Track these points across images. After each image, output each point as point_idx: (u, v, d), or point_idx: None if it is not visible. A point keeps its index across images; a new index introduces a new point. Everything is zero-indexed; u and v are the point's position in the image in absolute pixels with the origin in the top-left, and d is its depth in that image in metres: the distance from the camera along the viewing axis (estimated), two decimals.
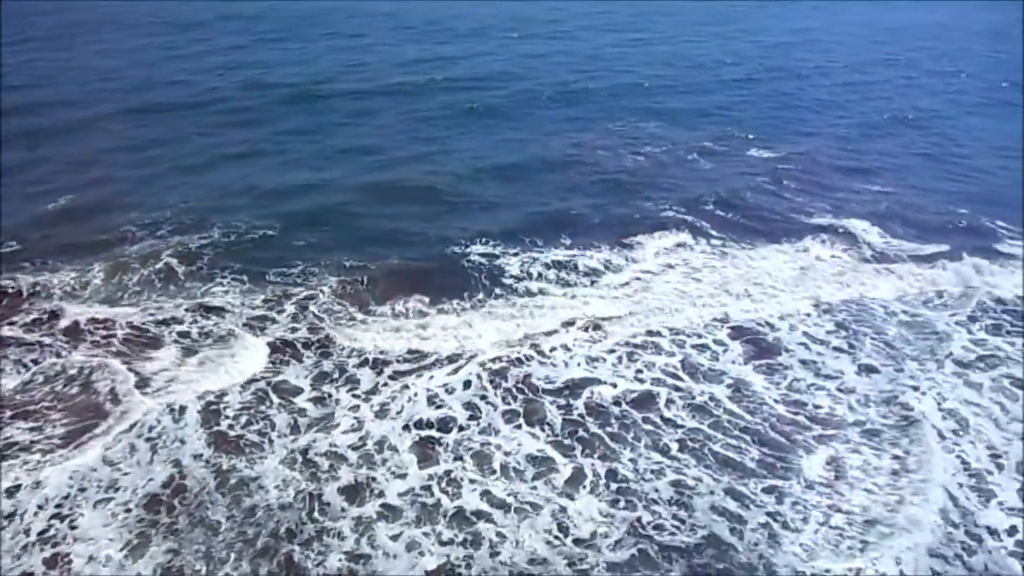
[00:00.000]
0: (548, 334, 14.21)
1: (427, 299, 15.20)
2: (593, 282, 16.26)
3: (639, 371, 13.30)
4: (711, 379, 13.18)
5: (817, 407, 12.53)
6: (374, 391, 12.57)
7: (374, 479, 10.77)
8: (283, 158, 23.31)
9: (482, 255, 17.11)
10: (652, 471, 11.07)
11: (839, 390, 12.97)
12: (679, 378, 13.20)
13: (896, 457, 11.45)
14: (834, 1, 63.88)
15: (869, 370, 13.49)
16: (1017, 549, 9.94)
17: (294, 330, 14.07)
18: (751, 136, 26.57)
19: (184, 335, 13.81)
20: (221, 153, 23.54)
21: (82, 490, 10.36)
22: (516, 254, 17.22)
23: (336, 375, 12.94)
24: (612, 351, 13.79)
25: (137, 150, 23.58)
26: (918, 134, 27.52)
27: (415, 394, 12.48)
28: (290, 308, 14.72)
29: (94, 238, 17.29)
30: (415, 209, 19.57)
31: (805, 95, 33.09)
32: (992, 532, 10.16)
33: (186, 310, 14.51)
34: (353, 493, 10.54)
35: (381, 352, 13.52)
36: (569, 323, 14.57)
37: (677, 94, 32.36)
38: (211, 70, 34.67)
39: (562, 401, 12.55)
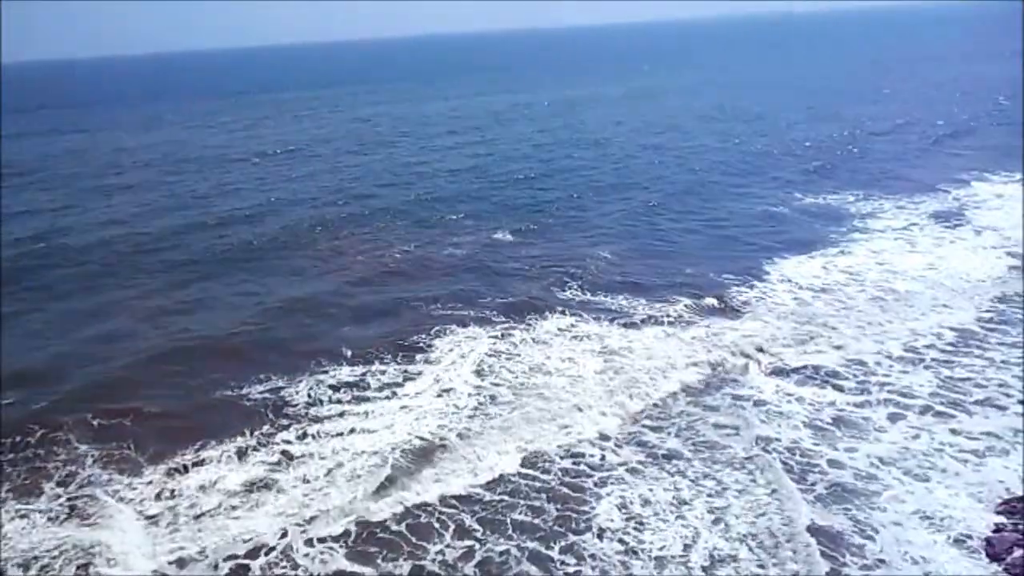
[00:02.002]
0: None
1: (204, 448, 14.99)
2: (393, 395, 17.05)
3: None
4: None
5: (591, 455, 14.74)
6: None
7: None
8: (27, 327, 21.79)
9: (265, 391, 17.32)
10: (461, 556, 12.13)
11: (600, 437, 15.35)
12: None
13: (667, 490, 13.70)
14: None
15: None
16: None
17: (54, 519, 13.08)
18: (524, 229, 30.26)
19: None
20: None
21: None
22: (302, 382, 17.70)
23: None
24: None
25: None
26: (686, 210, 32.91)
27: None
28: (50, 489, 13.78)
29: None
30: (178, 367, 18.90)
31: (582, 185, 38.28)
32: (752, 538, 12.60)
33: None
34: None
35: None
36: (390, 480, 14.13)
37: (451, 204, 35.27)
38: None
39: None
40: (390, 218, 32.43)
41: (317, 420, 16.09)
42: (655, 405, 16.61)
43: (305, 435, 15.52)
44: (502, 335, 20.11)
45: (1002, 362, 17.84)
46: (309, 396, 17.06)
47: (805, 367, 18.05)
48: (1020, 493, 13.03)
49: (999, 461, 14.03)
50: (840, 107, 61.98)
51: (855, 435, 15.16)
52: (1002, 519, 12.56)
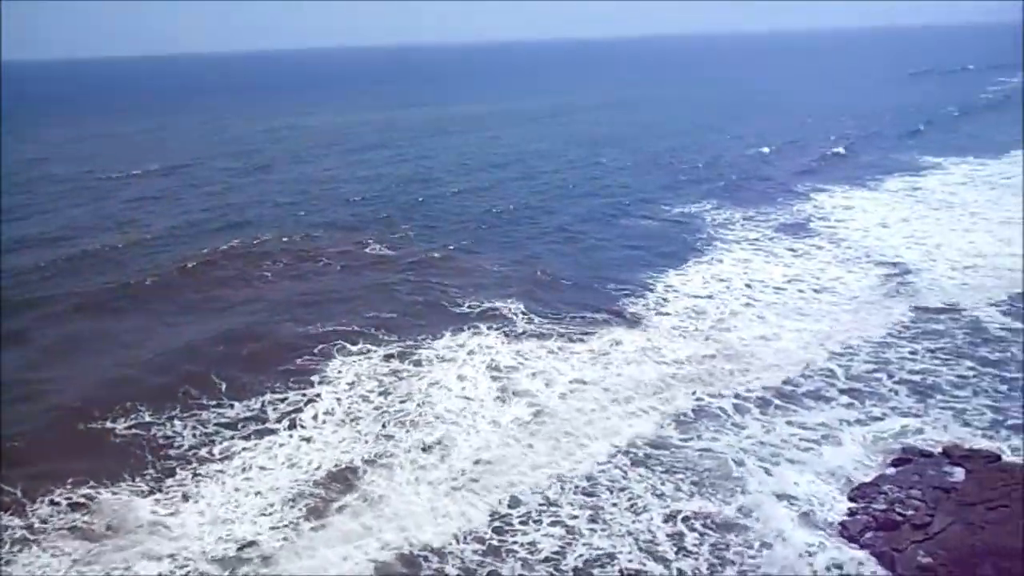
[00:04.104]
0: None
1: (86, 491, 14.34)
2: (293, 425, 16.79)
3: None
4: None
5: None
6: None
7: None
8: None
9: (135, 426, 16.74)
10: None
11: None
12: None
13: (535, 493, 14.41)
14: None
15: None
16: None
17: None
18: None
19: None
20: None
21: None
22: (177, 418, 17.15)
23: None
24: None
25: None
26: (579, 227, 34.03)
27: None
28: None
29: None
30: (63, 413, 17.58)
31: (428, 203, 38.79)
32: None
33: None
34: None
35: None
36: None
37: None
38: None
39: None
40: (267, 242, 31.25)
41: (210, 460, 15.65)
42: (540, 413, 17.28)
43: (197, 475, 15.10)
44: (397, 353, 20.39)
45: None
46: (199, 436, 16.50)
47: (686, 370, 19.34)
48: (865, 479, 14.54)
49: (834, 450, 15.75)
50: (724, 126, 66.02)
51: (718, 428, 16.69)
52: (854, 504, 13.97)
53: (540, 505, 14.10)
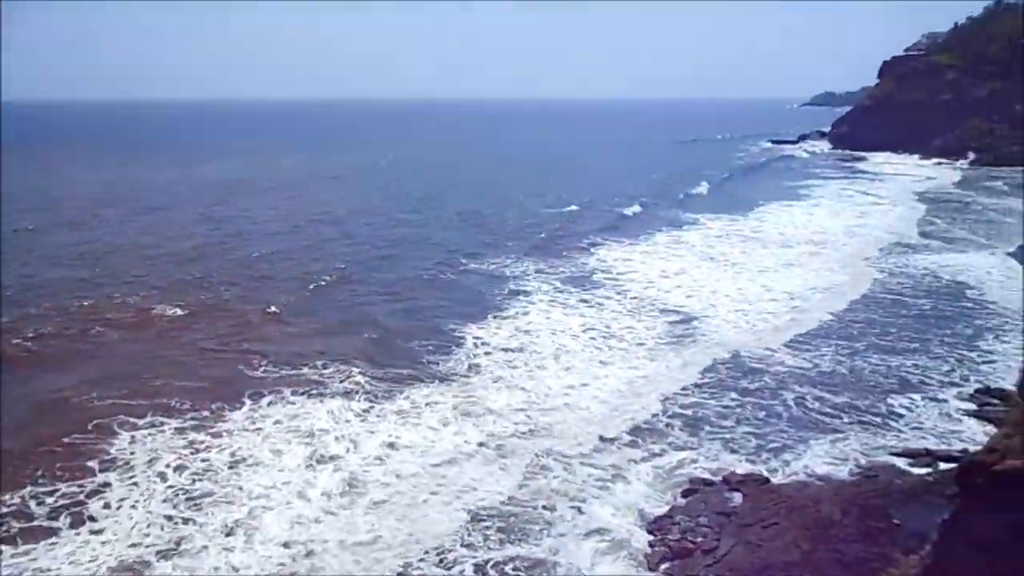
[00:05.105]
0: None
1: None
2: (78, 522, 14.65)
3: None
4: None
5: None
6: None
7: None
8: None
9: None
10: None
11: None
12: None
13: None
14: None
15: None
16: None
17: None
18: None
19: None
20: None
21: None
22: None
23: None
24: None
25: None
26: (371, 285, 33.47)
27: None
28: None
29: None
30: None
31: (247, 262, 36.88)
32: None
33: None
34: None
35: None
36: None
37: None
38: None
39: None
40: (37, 316, 27.47)
41: None
42: (353, 482, 16.54)
43: None
44: (192, 426, 18.75)
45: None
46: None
47: (499, 424, 19.51)
48: (660, 512, 15.59)
49: (624, 487, 16.74)
50: (532, 187, 68.31)
51: (528, 475, 17.07)
52: (652, 536, 14.95)
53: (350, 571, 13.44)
